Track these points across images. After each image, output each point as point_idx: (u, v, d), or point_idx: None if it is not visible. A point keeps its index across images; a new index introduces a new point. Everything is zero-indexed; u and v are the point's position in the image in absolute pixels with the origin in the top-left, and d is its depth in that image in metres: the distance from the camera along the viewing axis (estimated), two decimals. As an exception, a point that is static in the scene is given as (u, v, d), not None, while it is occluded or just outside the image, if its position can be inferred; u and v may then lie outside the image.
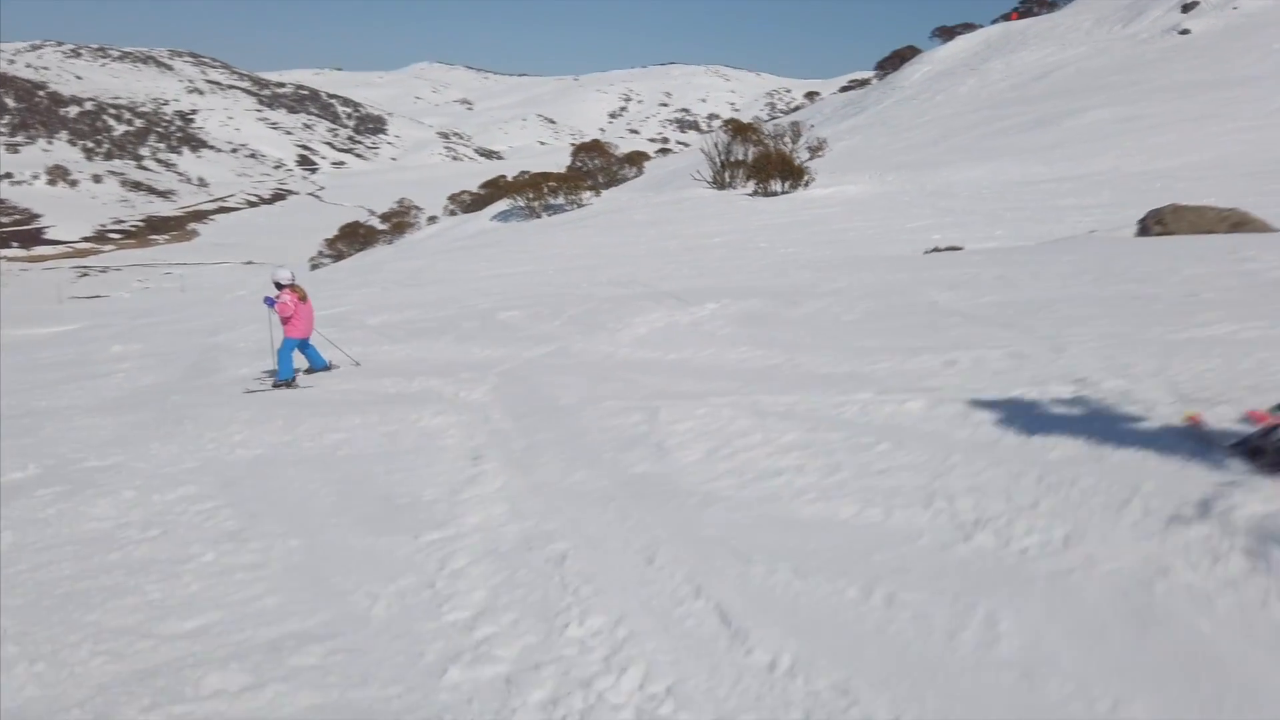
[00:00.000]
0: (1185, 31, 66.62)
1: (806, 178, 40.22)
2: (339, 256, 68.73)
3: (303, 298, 11.84)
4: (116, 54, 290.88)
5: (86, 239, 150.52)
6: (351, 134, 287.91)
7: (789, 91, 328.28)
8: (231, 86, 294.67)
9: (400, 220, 78.71)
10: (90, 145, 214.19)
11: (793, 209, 34.94)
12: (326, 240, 76.52)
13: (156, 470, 7.06)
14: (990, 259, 11.77)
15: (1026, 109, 59.11)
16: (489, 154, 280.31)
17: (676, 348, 9.10)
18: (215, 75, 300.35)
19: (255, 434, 8.03)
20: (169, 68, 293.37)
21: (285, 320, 11.60)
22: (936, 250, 15.83)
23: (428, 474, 6.10)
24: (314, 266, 61.67)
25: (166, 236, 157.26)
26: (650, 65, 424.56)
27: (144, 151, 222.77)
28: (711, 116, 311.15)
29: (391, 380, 9.98)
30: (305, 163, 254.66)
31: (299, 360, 11.87)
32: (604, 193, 52.68)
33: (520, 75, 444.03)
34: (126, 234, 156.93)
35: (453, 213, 78.64)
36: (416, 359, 11.62)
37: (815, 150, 51.93)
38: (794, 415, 5.81)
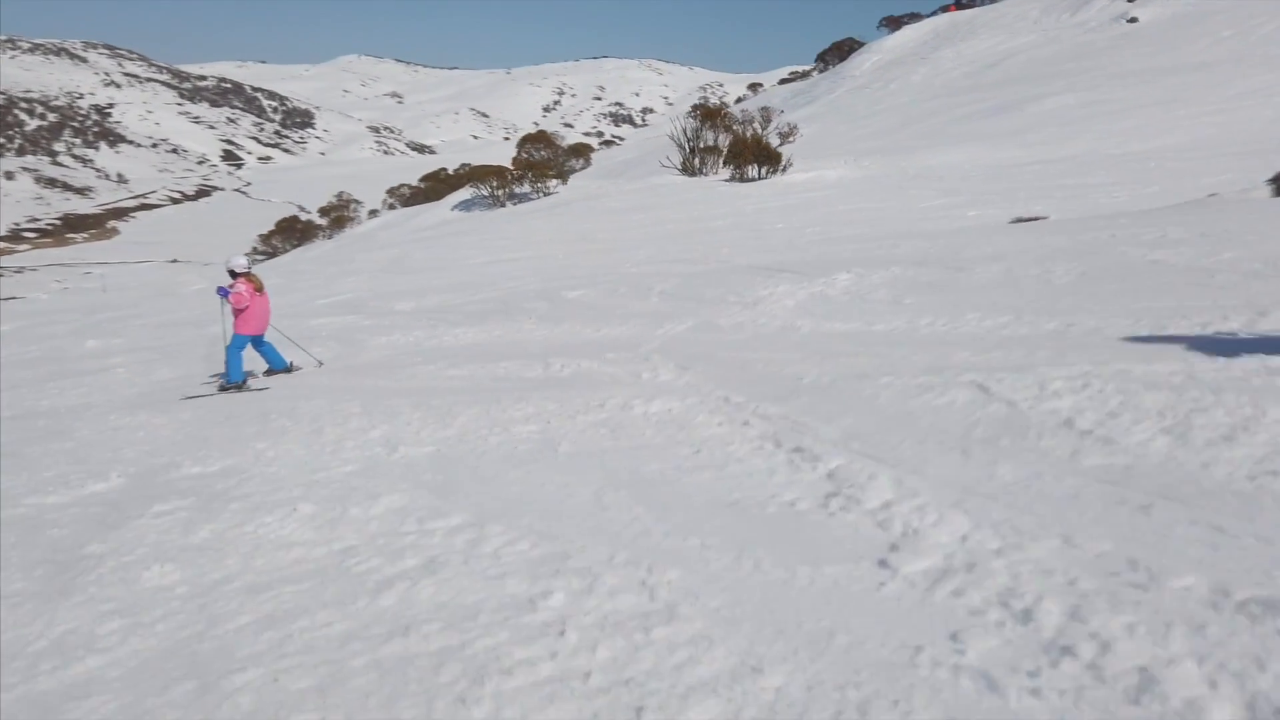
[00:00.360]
0: (1133, 20, 67.55)
1: (784, 162, 39.36)
2: (274, 253, 66.05)
3: (259, 288, 10.67)
4: (27, 45, 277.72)
5: (0, 238, 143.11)
6: (278, 128, 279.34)
7: (722, 86, 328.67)
8: (150, 79, 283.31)
9: (340, 214, 75.82)
10: (0, 141, 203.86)
11: (778, 193, 33.95)
12: (261, 235, 73.78)
13: (308, 477, 5.45)
14: (1145, 221, 10.62)
15: (984, 96, 59.35)
16: (421, 148, 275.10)
17: (876, 318, 7.71)
18: (133, 68, 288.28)
19: (397, 430, 6.43)
20: (83, 60, 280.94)
21: (238, 312, 10.42)
22: (1020, 220, 14.81)
23: (747, 470, 4.56)
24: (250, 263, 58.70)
25: (85, 235, 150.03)
26: (583, 59, 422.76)
27: (59, 147, 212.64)
28: (646, 110, 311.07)
29: (515, 363, 8.40)
30: (230, 158, 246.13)
31: (257, 361, 10.87)
32: (570, 181, 51.09)
33: (451, 68, 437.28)
34: (42, 233, 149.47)
35: (392, 206, 76.28)
36: (510, 342, 10.07)
37: (786, 136, 51.07)
38: (1216, 386, 4.47)
